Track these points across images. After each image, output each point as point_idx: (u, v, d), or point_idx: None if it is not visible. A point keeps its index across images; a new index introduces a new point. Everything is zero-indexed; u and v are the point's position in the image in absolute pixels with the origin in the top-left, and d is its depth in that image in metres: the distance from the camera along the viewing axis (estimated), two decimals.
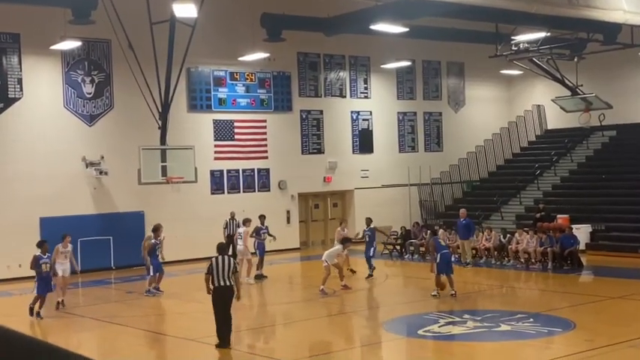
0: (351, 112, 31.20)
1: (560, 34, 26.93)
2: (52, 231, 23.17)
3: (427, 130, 33.67)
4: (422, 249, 24.99)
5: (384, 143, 32.06)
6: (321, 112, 30.30)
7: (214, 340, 13.54)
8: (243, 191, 28.12)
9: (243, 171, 28.20)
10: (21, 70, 23.62)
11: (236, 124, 27.89)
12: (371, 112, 31.74)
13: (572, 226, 24.13)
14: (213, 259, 13.40)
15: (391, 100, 32.49)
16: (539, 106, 34.68)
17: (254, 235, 21.82)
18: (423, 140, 33.49)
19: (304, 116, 29.87)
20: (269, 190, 28.81)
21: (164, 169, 23.35)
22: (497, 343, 13.51)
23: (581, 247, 23.86)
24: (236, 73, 27.82)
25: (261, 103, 28.50)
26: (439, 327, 14.58)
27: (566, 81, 28.07)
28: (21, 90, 23.63)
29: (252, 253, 21.56)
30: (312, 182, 29.98)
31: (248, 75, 28.10)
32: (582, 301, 17.50)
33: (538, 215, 26.09)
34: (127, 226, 24.78)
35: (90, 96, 24.91)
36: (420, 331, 14.39)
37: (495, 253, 23.92)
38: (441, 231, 25.47)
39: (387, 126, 32.29)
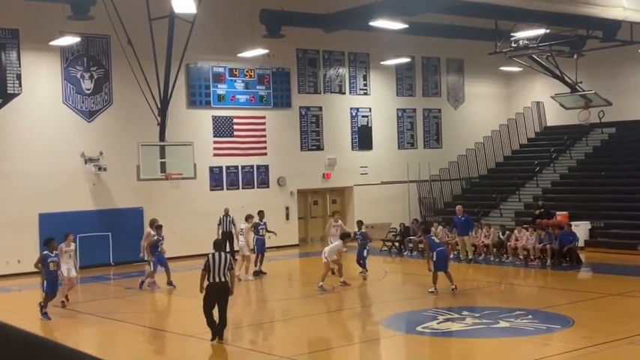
0: (351, 108, 31.19)
1: (559, 30, 26.91)
2: (51, 227, 23.20)
3: (426, 127, 33.66)
4: (421, 246, 24.97)
5: (384, 140, 32.05)
6: (321, 108, 30.29)
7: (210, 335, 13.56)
8: (243, 188, 28.12)
9: (243, 167, 28.20)
10: (20, 66, 23.59)
11: (235, 120, 27.88)
12: (370, 109, 31.74)
13: (571, 223, 24.13)
14: (210, 256, 13.44)
15: (390, 97, 32.48)
16: (538, 103, 34.67)
17: (252, 230, 21.81)
18: (423, 137, 33.48)
19: (303, 113, 29.85)
20: (268, 187, 28.81)
21: (163, 166, 23.32)
22: (496, 339, 13.51)
23: (580, 244, 23.86)
24: (235, 69, 27.80)
25: (261, 100, 28.49)
26: (438, 323, 14.58)
27: (566, 78, 28.06)
28: (20, 86, 23.60)
29: (251, 250, 21.54)
30: (311, 179, 29.98)
31: (247, 71, 28.08)
32: (581, 298, 17.51)
33: (537, 212, 26.08)
34: (126, 222, 24.78)
35: (89, 92, 24.89)
36: (418, 328, 14.39)
37: (494, 249, 23.93)
38: (440, 228, 25.55)
39: (387, 122, 32.28)
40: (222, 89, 27.59)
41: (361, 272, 20.75)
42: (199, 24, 22.99)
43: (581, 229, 24.62)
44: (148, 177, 23.41)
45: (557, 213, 26.01)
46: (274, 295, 19.89)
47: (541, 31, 25.36)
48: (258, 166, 28.59)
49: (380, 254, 26.21)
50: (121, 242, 24.28)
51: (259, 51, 26.37)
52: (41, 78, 24.09)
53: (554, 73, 28.11)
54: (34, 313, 16.29)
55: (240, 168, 28.14)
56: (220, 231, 24.37)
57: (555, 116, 33.52)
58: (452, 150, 33.36)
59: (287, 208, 29.30)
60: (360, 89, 31.48)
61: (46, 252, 16.29)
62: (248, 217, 21.88)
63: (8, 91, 23.43)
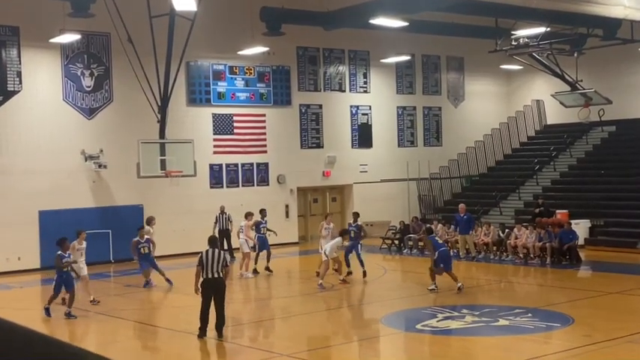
0: (351, 106, 31.19)
1: (560, 29, 26.92)
2: (51, 224, 23.26)
3: (426, 125, 33.66)
4: (420, 244, 25.01)
5: (383, 138, 32.05)
6: (321, 106, 30.28)
7: (212, 333, 13.59)
8: (242, 185, 28.12)
9: (242, 165, 28.20)
10: (20, 63, 23.58)
11: (235, 118, 27.87)
12: (370, 107, 31.73)
13: (571, 221, 24.13)
14: (204, 252, 13.58)
15: (390, 95, 32.47)
16: (538, 101, 34.66)
17: (253, 228, 21.81)
18: (422, 135, 33.48)
19: (303, 110, 29.85)
20: (268, 185, 28.80)
21: (163, 163, 23.33)
22: (496, 337, 13.53)
23: (580, 242, 23.86)
24: (235, 67, 27.79)
25: (261, 97, 28.48)
26: (437, 321, 14.59)
27: (566, 76, 28.05)
28: (20, 83, 23.59)
29: (250, 247, 21.55)
30: (311, 177, 29.98)
31: (247, 69, 28.08)
32: (581, 296, 17.53)
33: (537, 210, 26.10)
34: (125, 219, 24.75)
35: (89, 89, 24.88)
36: (418, 326, 14.40)
37: (494, 248, 23.94)
38: (440, 226, 25.58)
39: (387, 120, 32.28)
40: (222, 87, 27.58)
41: (347, 274, 20.00)
42: (199, 22, 22.98)
43: (581, 228, 24.63)
44: (147, 174, 23.41)
45: (557, 211, 26.03)
46: (274, 292, 19.90)
47: (541, 30, 25.35)
48: (258, 164, 28.59)
49: (379, 252, 26.25)
50: (121, 240, 24.20)
51: (259, 49, 26.36)
52: (41, 75, 24.08)
53: (554, 71, 28.10)
54: (35, 310, 16.31)
55: (240, 166, 28.14)
56: (217, 229, 24.41)
57: (555, 114, 33.51)
58: (452, 148, 33.36)
59: (287, 206, 29.30)
60: (360, 87, 31.47)
61: (59, 252, 16.10)
62: (247, 215, 21.90)
63: (8, 89, 23.42)
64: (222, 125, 27.60)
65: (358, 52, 31.25)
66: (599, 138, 31.86)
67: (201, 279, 13.58)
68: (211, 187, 27.37)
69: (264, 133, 28.63)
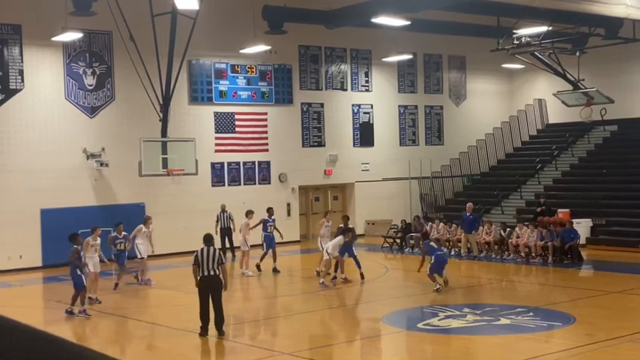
0: (352, 105, 31.19)
1: (562, 28, 26.91)
2: (53, 223, 23.29)
3: (428, 124, 33.66)
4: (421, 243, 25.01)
5: (385, 136, 32.05)
6: (322, 105, 30.28)
7: (212, 332, 13.60)
8: (244, 184, 28.13)
9: (244, 163, 28.20)
10: (22, 62, 23.59)
11: (237, 116, 27.88)
12: (372, 106, 31.73)
13: (573, 220, 24.13)
14: (199, 250, 13.67)
15: (392, 94, 32.47)
16: (540, 100, 34.65)
17: (261, 226, 21.76)
18: (424, 134, 33.48)
19: (305, 109, 29.85)
20: (269, 183, 28.81)
21: (165, 161, 23.34)
22: (497, 336, 13.53)
23: (582, 241, 23.85)
24: (237, 65, 27.79)
25: (262, 96, 28.48)
26: (439, 320, 14.59)
27: (568, 75, 28.06)
28: (22, 81, 23.60)
29: (251, 246, 21.56)
30: (312, 175, 29.99)
31: (249, 67, 28.08)
32: (582, 295, 17.52)
33: (539, 209, 26.10)
34: (127, 217, 24.68)
35: (91, 88, 24.89)
36: (419, 325, 14.41)
37: (496, 247, 23.94)
38: (441, 225, 25.61)
39: (388, 119, 32.28)
40: (224, 85, 27.58)
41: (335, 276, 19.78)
42: (201, 20, 22.98)
43: (582, 227, 24.62)
44: (149, 173, 23.44)
45: (559, 210, 26.02)
46: (275, 291, 19.92)
47: (543, 29, 25.36)
48: (260, 163, 28.59)
49: (381, 251, 26.25)
50: None
51: (261, 47, 26.35)
52: (43, 74, 24.09)
53: (556, 70, 28.12)
54: (36, 308, 16.33)
55: (241, 164, 28.14)
56: (219, 227, 24.43)
57: (557, 113, 33.51)
58: (453, 147, 33.36)
59: (288, 205, 29.30)
60: (362, 86, 31.47)
61: (76, 247, 15.97)
62: (248, 213, 21.90)
63: (10, 87, 23.43)
64: (224, 124, 27.61)
65: (360, 51, 31.25)
66: (600, 137, 31.84)
67: (198, 277, 13.63)
68: (213, 186, 27.38)
69: (266, 132, 28.63)
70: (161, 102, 23.32)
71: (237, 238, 23.25)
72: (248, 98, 28.15)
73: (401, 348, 13.74)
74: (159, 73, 22.94)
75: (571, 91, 28.31)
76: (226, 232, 24.64)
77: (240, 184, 28.01)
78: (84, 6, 21.33)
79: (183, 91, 26.20)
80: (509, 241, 23.52)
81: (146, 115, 24.07)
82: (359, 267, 19.72)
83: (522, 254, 22.97)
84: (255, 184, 28.42)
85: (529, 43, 25.86)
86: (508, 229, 24.02)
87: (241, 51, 26.83)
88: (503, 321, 14.38)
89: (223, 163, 27.68)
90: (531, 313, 14.98)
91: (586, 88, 27.89)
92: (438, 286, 17.73)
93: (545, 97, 33.79)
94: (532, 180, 30.91)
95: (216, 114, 27.42)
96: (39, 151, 23.76)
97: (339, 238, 19.51)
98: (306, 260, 25.62)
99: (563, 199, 27.41)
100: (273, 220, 22.09)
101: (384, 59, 31.17)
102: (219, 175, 27.59)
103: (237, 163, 28.04)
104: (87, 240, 17.05)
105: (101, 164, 24.43)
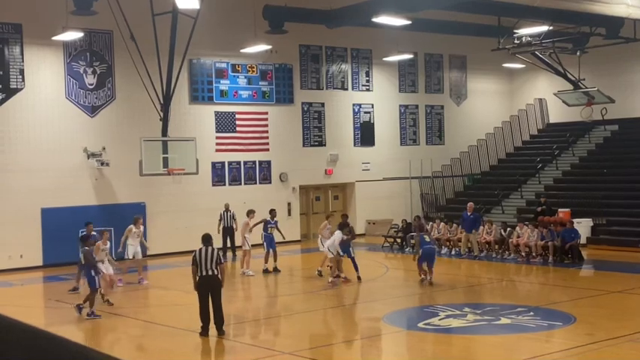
0: (353, 104, 31.18)
1: (562, 27, 26.90)
2: (53, 222, 23.31)
3: (429, 123, 33.65)
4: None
5: (386, 136, 32.05)
6: (323, 104, 30.28)
7: (213, 331, 13.61)
8: (245, 183, 28.13)
9: (245, 163, 28.20)
10: (23, 61, 23.59)
11: (237, 116, 27.87)
12: (372, 105, 31.72)
13: (573, 220, 24.13)
14: (197, 250, 13.70)
15: (393, 93, 32.46)
16: (541, 99, 34.65)
17: (261, 226, 21.74)
18: (425, 133, 33.47)
19: (306, 108, 29.85)
20: (270, 183, 28.80)
21: (165, 161, 23.36)
22: (498, 336, 13.53)
23: (582, 241, 23.86)
24: (238, 65, 27.79)
25: (263, 95, 28.48)
26: (439, 320, 14.59)
27: (569, 75, 28.04)
28: (23, 81, 23.60)
29: (252, 245, 21.56)
30: (313, 175, 29.99)
31: (250, 67, 28.07)
32: (583, 295, 17.52)
33: (539, 209, 26.09)
34: (128, 217, 24.62)
35: (92, 87, 24.89)
36: (420, 324, 14.41)
37: (496, 246, 23.94)
38: (442, 224, 25.62)
39: (389, 119, 32.27)
40: (224, 85, 27.57)
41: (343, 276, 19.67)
42: (202, 19, 22.97)
43: (583, 227, 24.62)
44: (150, 172, 23.45)
45: (560, 210, 26.02)
46: (276, 290, 19.92)
47: (544, 28, 25.35)
48: (261, 162, 28.58)
49: (381, 250, 26.25)
50: None
51: (262, 47, 26.34)
52: (44, 73, 24.09)
53: (557, 70, 28.10)
54: (37, 307, 16.32)
55: (242, 164, 28.14)
56: (221, 226, 24.46)
57: (558, 113, 33.51)
58: (454, 146, 33.36)
59: (289, 204, 29.30)
60: (363, 85, 31.47)
61: (87, 248, 15.95)
62: (248, 212, 21.90)
63: (11, 86, 23.43)
64: (225, 123, 27.61)
65: (361, 51, 31.24)
66: (601, 137, 31.84)
67: (197, 277, 13.64)
68: (213, 185, 27.37)
69: (267, 131, 28.63)
70: (162, 101, 23.33)
71: (238, 238, 23.26)
72: (249, 98, 28.14)
73: (401, 347, 13.74)
74: (159, 72, 22.94)
75: (572, 90, 28.29)
76: (228, 231, 24.65)
77: (240, 184, 28.00)
78: (84, 5, 21.33)
79: (183, 91, 26.20)
80: (510, 240, 23.52)
81: (147, 115, 24.07)
82: (356, 269, 19.66)
83: (523, 254, 22.97)
84: (255, 183, 28.41)
85: (530, 42, 25.84)
86: (509, 229, 24.02)
87: (242, 50, 26.82)
88: (504, 320, 14.38)
89: (224, 162, 27.67)
90: (532, 313, 14.98)
91: (587, 88, 27.87)
92: (422, 277, 18.56)
93: (546, 97, 33.78)
94: (533, 179, 30.91)
95: (216, 113, 27.41)
96: (39, 150, 23.77)
97: (338, 233, 19.48)
98: (307, 260, 25.62)
99: (563, 199, 27.41)
100: (275, 222, 21.93)
101: (385, 59, 31.16)
102: (219, 174, 27.59)
103: (238, 163, 28.03)
104: (97, 244, 17.05)
105: (102, 163, 24.43)
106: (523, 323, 14.18)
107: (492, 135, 34.06)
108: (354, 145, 31.24)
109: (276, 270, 21.52)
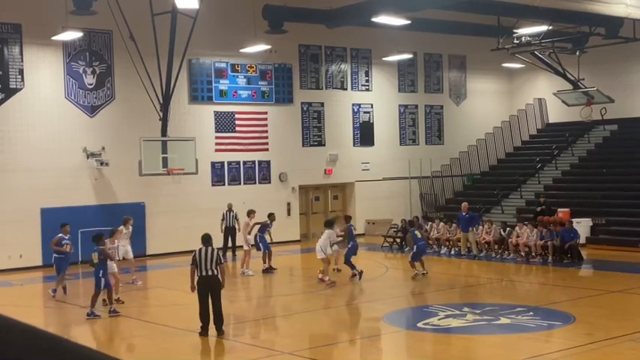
0: (352, 104, 31.18)
1: (562, 27, 26.92)
2: (53, 222, 23.24)
3: (428, 123, 33.65)
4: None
5: (385, 136, 32.05)
6: (322, 104, 30.28)
7: (213, 331, 13.61)
8: (244, 183, 28.12)
9: (244, 163, 28.19)
10: (22, 61, 23.58)
11: (237, 115, 27.87)
12: (372, 105, 31.72)
13: (573, 219, 24.14)
14: (197, 250, 13.72)
15: (392, 93, 32.46)
16: (540, 99, 34.65)
17: (258, 230, 21.75)
18: (424, 133, 33.47)
19: (305, 108, 29.85)
20: (270, 182, 28.80)
21: (165, 161, 23.36)
22: (497, 336, 13.53)
23: (582, 240, 23.87)
24: (237, 64, 27.78)
25: (262, 95, 28.48)
26: (439, 320, 14.59)
27: (568, 75, 28.06)
28: (22, 80, 23.60)
29: (252, 245, 21.57)
30: (312, 174, 29.98)
31: (249, 67, 28.07)
32: (582, 294, 17.52)
33: (539, 209, 26.10)
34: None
35: (91, 87, 24.89)
36: (419, 324, 14.41)
37: (495, 246, 23.95)
38: (441, 224, 25.64)
39: (388, 119, 32.27)
40: (224, 85, 27.57)
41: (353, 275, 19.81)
42: (202, 19, 22.97)
43: (582, 226, 24.64)
44: (149, 172, 23.44)
45: (559, 210, 26.04)
46: (275, 290, 19.92)
47: (543, 28, 25.37)
48: (260, 162, 28.58)
49: (381, 250, 26.26)
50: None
51: (261, 47, 26.34)
52: (44, 73, 24.08)
53: (556, 69, 28.12)
54: (36, 307, 16.31)
55: (241, 164, 28.13)
56: (224, 226, 24.46)
57: (557, 113, 33.51)
58: (453, 146, 33.36)
59: (288, 204, 29.30)
60: (362, 85, 31.47)
61: (99, 247, 15.91)
62: (249, 212, 21.90)
63: (11, 86, 23.42)
64: (224, 123, 27.60)
65: (360, 50, 31.24)
66: (600, 137, 31.85)
67: (196, 277, 13.65)
68: (213, 185, 27.37)
69: (266, 131, 28.63)
70: (161, 101, 23.33)
71: (239, 238, 23.27)
72: (248, 97, 28.14)
73: (401, 347, 13.74)
74: (159, 72, 22.94)
75: (571, 90, 28.31)
76: (231, 231, 24.65)
77: (240, 184, 28.00)
78: (84, 5, 21.32)
79: (183, 91, 26.20)
80: (509, 240, 23.53)
81: (146, 115, 24.07)
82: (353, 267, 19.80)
83: (522, 254, 22.97)
84: (255, 183, 28.41)
85: (529, 42, 25.86)
86: (508, 229, 24.02)
87: (241, 50, 26.82)
88: (503, 320, 14.38)
89: (223, 162, 27.67)
90: (531, 313, 14.98)
91: (586, 88, 27.89)
92: (415, 272, 19.18)
93: (546, 97, 33.79)
94: (532, 179, 30.91)
95: (216, 113, 27.41)
96: (39, 150, 23.76)
97: (329, 232, 19.44)
98: (306, 260, 25.62)
99: (563, 199, 27.42)
100: (270, 224, 21.99)
101: (385, 58, 31.16)
102: (219, 174, 27.59)
103: (238, 163, 28.03)
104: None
105: (101, 163, 24.42)
106: (522, 323, 14.18)
107: (492, 135, 34.07)
108: (354, 145, 31.24)
109: (271, 268, 21.56)
